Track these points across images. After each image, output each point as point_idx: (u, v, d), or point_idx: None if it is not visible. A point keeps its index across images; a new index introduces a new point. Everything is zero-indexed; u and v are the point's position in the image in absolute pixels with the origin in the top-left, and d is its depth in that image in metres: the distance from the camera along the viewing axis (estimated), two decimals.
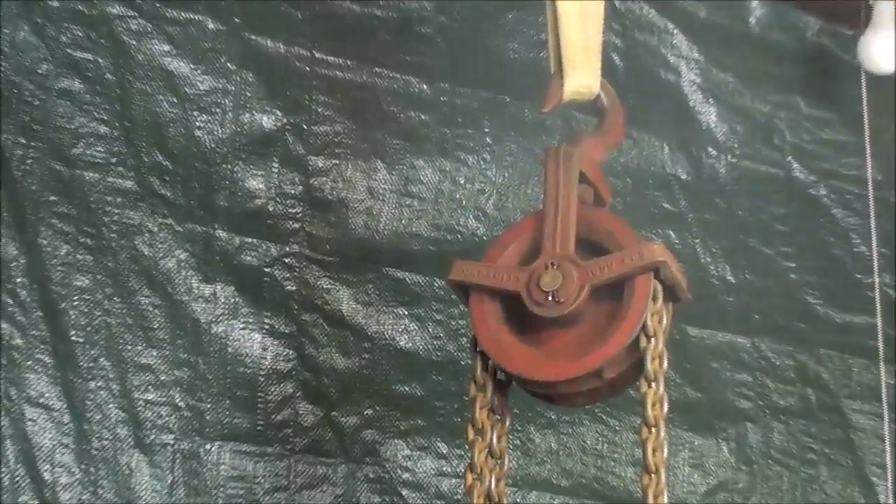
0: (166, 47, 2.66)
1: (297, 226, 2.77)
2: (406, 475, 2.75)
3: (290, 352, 2.72)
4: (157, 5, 2.65)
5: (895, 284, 3.32)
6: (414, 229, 2.88)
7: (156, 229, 2.62)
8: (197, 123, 2.67)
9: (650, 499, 1.92)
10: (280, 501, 2.62)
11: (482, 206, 2.97)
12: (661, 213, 3.18)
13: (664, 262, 1.97)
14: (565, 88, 2.11)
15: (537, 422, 2.92)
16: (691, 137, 3.25)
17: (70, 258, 2.52)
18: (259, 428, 2.64)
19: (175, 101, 2.66)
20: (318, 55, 2.82)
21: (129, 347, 2.55)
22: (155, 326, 2.58)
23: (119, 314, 2.55)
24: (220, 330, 2.64)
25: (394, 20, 2.90)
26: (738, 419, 3.16)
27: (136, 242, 2.59)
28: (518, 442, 2.88)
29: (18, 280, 2.46)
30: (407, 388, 2.81)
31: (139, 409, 2.53)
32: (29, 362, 2.45)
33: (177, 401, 2.57)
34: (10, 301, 2.45)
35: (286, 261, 2.75)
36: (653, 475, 1.92)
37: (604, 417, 3.00)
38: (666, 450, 1.94)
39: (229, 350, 2.65)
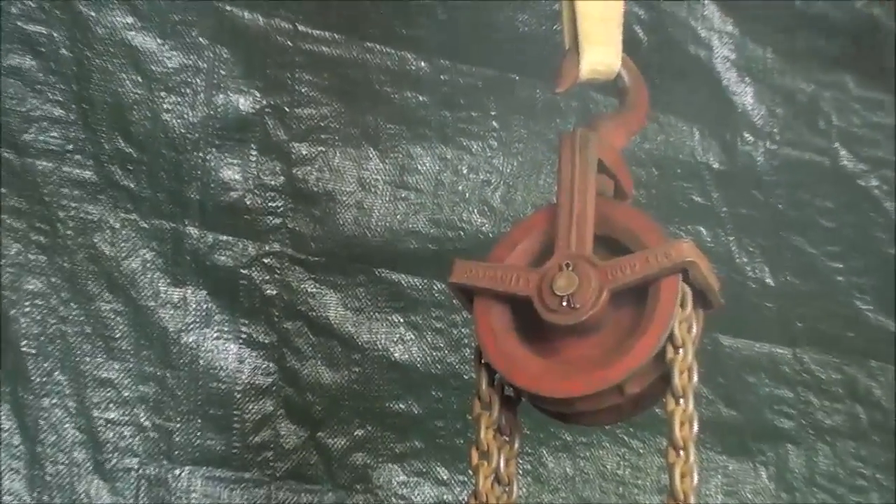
0: (129, 19, 2.66)
1: (278, 221, 2.77)
2: None
3: (270, 364, 2.72)
4: None
5: None
6: (410, 225, 2.88)
7: (118, 226, 2.62)
8: (164, 106, 2.68)
9: None
10: None
11: (488, 200, 2.97)
12: (691, 207, 3.18)
13: (694, 263, 1.97)
14: (582, 66, 2.10)
15: (550, 444, 2.92)
16: (725, 121, 3.25)
17: (20, 258, 2.52)
18: (235, 451, 2.64)
19: (139, 80, 2.66)
20: (301, 28, 2.82)
21: (88, 360, 2.55)
22: (117, 336, 2.58)
23: (76, 322, 2.55)
24: (190, 340, 2.65)
25: None
26: (778, 441, 3.17)
27: (95, 240, 2.59)
28: (529, 467, 2.88)
29: None
30: (402, 406, 2.81)
31: (99, 429, 2.53)
32: None
33: (142, 420, 2.57)
34: None
35: (266, 261, 2.75)
36: None
37: (626, 439, 3.00)
38: (696, 476, 1.94)
39: (201, 362, 2.65)
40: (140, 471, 2.55)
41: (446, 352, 2.86)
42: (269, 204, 2.76)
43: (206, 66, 2.73)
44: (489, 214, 2.96)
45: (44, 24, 2.58)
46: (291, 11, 2.81)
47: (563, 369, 2.00)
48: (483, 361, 2.06)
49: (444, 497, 2.80)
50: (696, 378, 1.96)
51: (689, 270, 1.97)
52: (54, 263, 2.55)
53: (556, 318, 1.99)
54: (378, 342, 2.82)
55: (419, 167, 2.91)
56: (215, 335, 2.67)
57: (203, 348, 2.65)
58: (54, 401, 2.51)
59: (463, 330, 2.86)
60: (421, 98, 2.92)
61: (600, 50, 2.11)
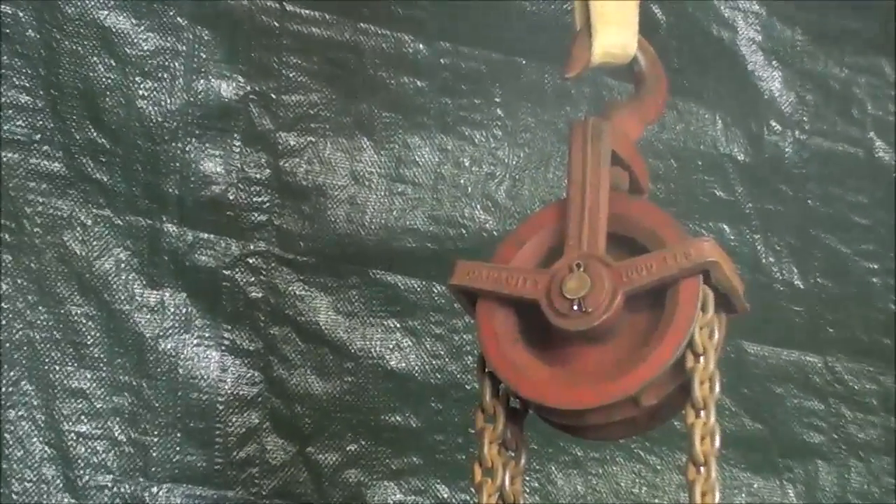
0: None
1: (263, 218, 2.78)
2: None
3: (256, 373, 2.73)
4: None
5: None
6: (408, 223, 2.89)
7: (89, 222, 2.62)
8: (140, 92, 2.68)
9: None
10: None
11: (492, 194, 2.98)
12: (713, 203, 3.19)
13: (716, 263, 1.98)
14: (594, 49, 2.11)
15: (560, 459, 2.93)
16: (750, 109, 3.26)
17: None
18: (217, 467, 2.65)
19: (113, 64, 2.67)
20: (288, 7, 2.83)
21: (58, 368, 2.56)
22: (89, 342, 2.59)
23: (44, 327, 2.56)
24: (168, 347, 2.65)
25: None
26: (807, 456, 3.17)
27: (65, 238, 2.60)
28: (536, 485, 2.89)
29: None
30: (399, 419, 2.82)
31: (69, 443, 2.54)
32: None
33: (116, 434, 2.57)
34: None
35: (250, 261, 2.76)
36: None
37: (641, 454, 3.01)
38: (718, 494, 1.95)
39: (180, 371, 2.66)
40: (114, 489, 2.56)
41: (447, 360, 2.87)
42: (254, 199, 2.77)
43: (185, 48, 2.73)
44: (493, 210, 2.96)
45: (9, 3, 2.59)
46: None
47: (574, 379, 2.00)
48: (487, 370, 2.06)
49: None
50: (718, 388, 1.97)
51: (710, 271, 1.98)
52: (20, 263, 2.56)
53: (566, 323, 1.99)
54: (372, 349, 2.83)
55: (417, 159, 2.92)
56: (195, 342, 2.68)
57: (182, 356, 2.66)
58: (21, 413, 2.51)
59: (465, 336, 2.87)
60: (419, 84, 2.93)
61: (615, 31, 2.11)
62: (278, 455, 2.70)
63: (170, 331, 2.65)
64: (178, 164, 2.70)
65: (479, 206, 2.95)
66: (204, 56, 2.74)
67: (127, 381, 2.60)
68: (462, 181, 2.95)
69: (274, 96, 2.80)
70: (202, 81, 2.74)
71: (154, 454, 2.59)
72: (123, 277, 2.63)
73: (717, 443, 1.95)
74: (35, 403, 2.53)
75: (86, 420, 2.56)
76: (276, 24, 2.81)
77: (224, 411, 2.67)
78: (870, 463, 3.21)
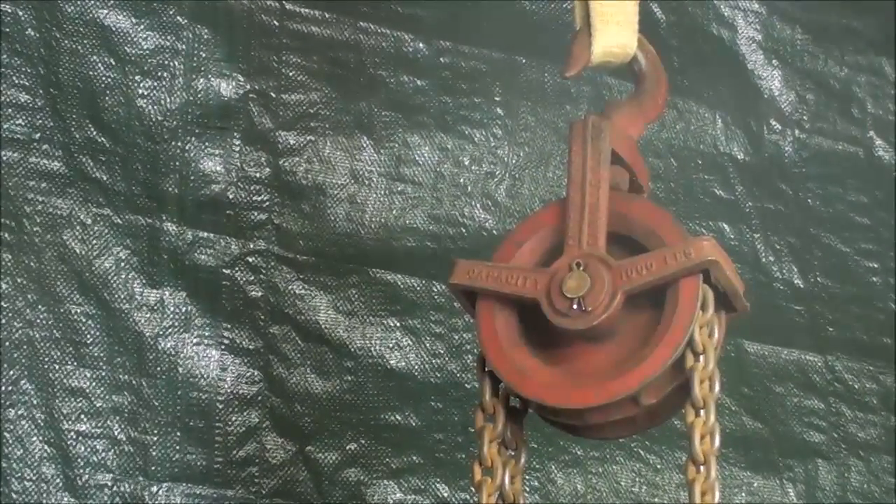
0: None
1: (263, 217, 2.78)
2: None
3: (255, 372, 2.73)
4: None
5: None
6: (408, 222, 2.89)
7: (89, 221, 2.62)
8: (140, 91, 2.68)
9: None
10: None
11: (491, 193, 2.97)
12: (713, 202, 3.19)
13: (716, 263, 1.98)
14: (594, 47, 2.11)
15: (560, 458, 2.93)
16: (750, 108, 3.26)
17: None
18: (217, 466, 2.65)
19: (112, 63, 2.67)
20: (288, 6, 2.83)
21: (57, 367, 2.56)
22: (88, 341, 2.59)
23: (44, 326, 2.56)
24: (168, 346, 2.65)
25: None
26: (807, 455, 3.17)
27: (64, 237, 2.60)
28: (536, 483, 2.89)
29: None
30: (399, 418, 2.82)
31: (69, 442, 2.54)
32: None
33: (116, 433, 2.57)
34: None
35: (250, 260, 2.76)
36: None
37: (641, 453, 3.01)
38: (718, 493, 1.94)
39: (180, 370, 2.66)
40: (114, 488, 2.56)
41: (446, 359, 2.87)
42: (254, 198, 2.77)
43: (184, 47, 2.73)
44: (493, 209, 2.96)
45: (8, 2, 2.59)
46: None
47: (574, 378, 2.00)
48: (486, 369, 2.06)
49: None
50: (718, 388, 1.97)
51: (710, 271, 1.98)
52: (20, 262, 2.56)
53: (565, 323, 1.99)
54: (372, 348, 2.83)
55: (417, 158, 2.92)
56: (195, 341, 2.68)
57: (182, 355, 2.66)
58: (20, 412, 2.51)
59: (465, 335, 2.87)
60: (419, 83, 2.93)
61: (614, 30, 2.11)
62: (278, 454, 2.70)
63: (169, 330, 2.65)
64: (177, 164, 2.70)
65: (478, 205, 2.95)
66: (204, 55, 2.74)
67: (127, 380, 2.60)
68: (462, 180, 2.95)
69: (274, 95, 2.80)
70: (202, 80, 2.74)
71: (154, 453, 2.59)
72: (123, 276, 2.63)
73: (717, 442, 1.96)
74: (35, 402, 2.53)
75: (85, 419, 2.55)
76: (275, 22, 2.81)
77: (224, 410, 2.67)
78: (870, 462, 3.21)
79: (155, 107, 2.69)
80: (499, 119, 2.99)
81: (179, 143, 2.71)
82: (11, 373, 2.51)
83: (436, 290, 2.85)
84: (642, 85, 2.18)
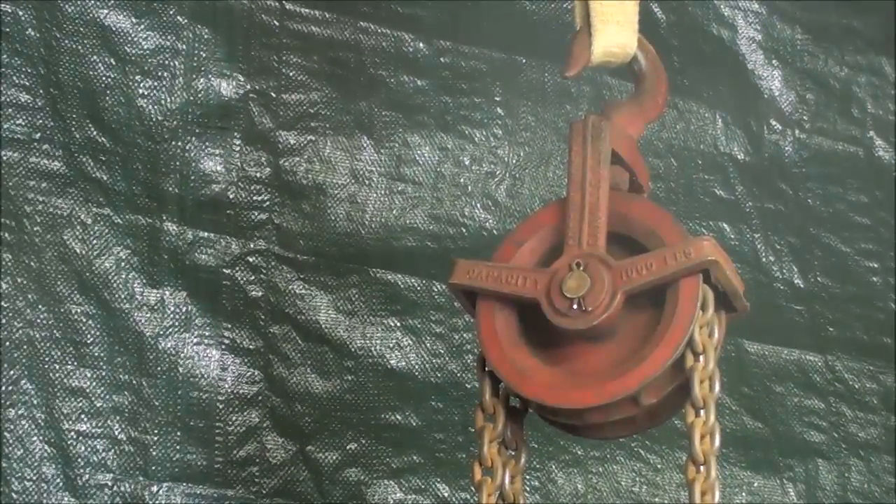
0: None
1: (263, 217, 2.78)
2: None
3: (256, 372, 2.72)
4: None
5: None
6: (408, 221, 2.89)
7: (89, 221, 2.62)
8: (140, 91, 2.68)
9: None
10: None
11: (492, 193, 2.97)
12: (713, 202, 3.19)
13: (716, 263, 1.97)
14: (594, 47, 2.11)
15: (560, 458, 2.93)
16: (750, 108, 3.26)
17: None
18: (217, 466, 2.65)
19: (113, 63, 2.67)
20: (288, 6, 2.83)
21: (58, 367, 2.56)
22: (89, 341, 2.59)
23: (45, 326, 2.56)
24: (168, 345, 2.65)
25: None
26: (807, 455, 3.17)
27: (65, 237, 2.60)
28: (537, 483, 2.89)
29: None
30: (399, 418, 2.82)
31: (69, 442, 2.54)
32: None
33: (116, 433, 2.57)
34: None
35: (250, 260, 2.75)
36: None
37: (642, 453, 3.01)
38: (718, 493, 1.94)
39: (180, 370, 2.65)
40: (114, 487, 2.55)
41: (447, 358, 2.87)
42: (255, 198, 2.77)
43: (185, 47, 2.73)
44: (493, 209, 2.96)
45: (9, 2, 2.59)
46: None
47: (574, 378, 2.00)
48: (486, 369, 2.06)
49: None
50: (718, 387, 1.97)
51: (710, 270, 1.98)
52: (20, 262, 2.56)
53: (565, 323, 1.99)
54: (373, 348, 2.82)
55: (417, 158, 2.92)
56: (195, 340, 2.68)
57: (182, 355, 2.66)
58: (21, 412, 2.51)
59: (465, 335, 2.87)
60: (419, 82, 2.93)
61: (615, 30, 2.11)
62: (278, 454, 2.70)
63: (170, 329, 2.65)
64: (178, 163, 2.70)
65: (479, 205, 2.95)
66: (204, 55, 2.74)
67: (127, 380, 2.60)
68: (462, 180, 2.95)
69: (274, 95, 2.80)
70: (202, 80, 2.74)
71: (154, 453, 2.59)
72: (123, 276, 2.63)
73: (717, 442, 1.95)
74: (35, 402, 2.52)
75: (86, 419, 2.55)
76: (276, 22, 2.81)
77: (224, 410, 2.67)
78: (870, 462, 3.21)
79: (155, 107, 2.69)
80: (499, 119, 2.99)
81: (180, 143, 2.71)
82: (12, 372, 2.51)
83: (436, 289, 2.85)
84: (642, 85, 2.17)
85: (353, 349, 2.80)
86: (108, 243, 2.63)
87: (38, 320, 2.55)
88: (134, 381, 2.61)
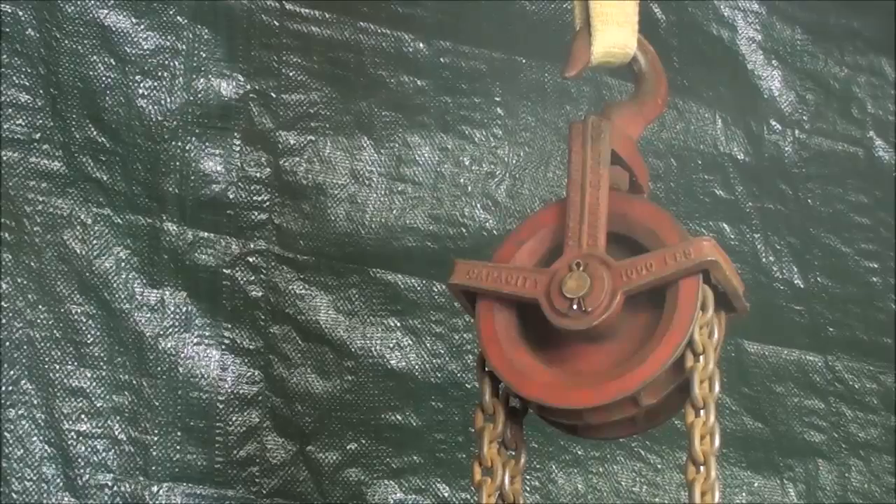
0: None
1: (263, 217, 2.78)
2: None
3: (256, 372, 2.72)
4: None
5: None
6: (408, 222, 2.89)
7: (89, 221, 2.62)
8: (140, 91, 2.68)
9: None
10: None
11: (492, 194, 2.97)
12: (713, 202, 3.19)
13: (716, 263, 1.97)
14: (594, 48, 2.10)
15: (560, 458, 2.93)
16: (750, 108, 3.26)
17: None
18: (217, 466, 2.65)
19: (113, 63, 2.66)
20: (288, 6, 2.82)
21: (58, 367, 2.56)
22: (89, 341, 2.58)
23: (45, 326, 2.55)
24: (168, 346, 2.65)
25: None
26: (807, 455, 3.17)
27: (65, 237, 2.59)
28: (537, 483, 2.88)
29: None
30: (399, 418, 2.82)
31: (70, 442, 2.54)
32: None
33: (116, 433, 2.57)
34: None
35: (250, 260, 2.75)
36: None
37: (642, 453, 3.01)
38: (718, 493, 1.94)
39: (180, 370, 2.65)
40: (115, 488, 2.55)
41: (447, 359, 2.87)
42: (254, 198, 2.77)
43: (185, 47, 2.73)
44: (493, 210, 2.96)
45: (8, 2, 2.58)
46: None
47: (574, 378, 2.00)
48: (486, 369, 2.06)
49: None
50: (717, 388, 1.97)
51: (710, 271, 1.97)
52: (20, 262, 2.55)
53: (565, 323, 1.99)
54: (373, 348, 2.82)
55: (417, 158, 2.92)
56: (195, 340, 2.68)
57: (182, 355, 2.66)
58: (21, 412, 2.51)
59: (465, 335, 2.87)
60: (419, 83, 2.93)
61: (614, 30, 2.11)
62: (278, 454, 2.70)
63: (170, 330, 2.65)
64: (178, 164, 2.70)
65: (479, 205, 2.95)
66: (204, 55, 2.74)
67: (127, 380, 2.60)
68: (462, 180, 2.95)
69: (274, 95, 2.80)
70: (202, 80, 2.74)
71: (154, 453, 2.59)
72: (123, 276, 2.63)
73: (717, 442, 1.95)
74: (35, 402, 2.52)
75: (86, 419, 2.55)
76: (276, 23, 2.81)
77: (224, 410, 2.67)
78: (870, 462, 3.21)
79: (155, 107, 2.69)
80: (499, 119, 2.99)
81: (179, 143, 2.70)
82: (12, 373, 2.51)
83: (436, 290, 2.85)
84: (642, 85, 2.17)
85: (353, 349, 2.80)
86: (108, 243, 2.63)
87: (39, 320, 2.55)
88: (134, 382, 2.60)
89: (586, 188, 2.04)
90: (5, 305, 2.53)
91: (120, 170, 2.65)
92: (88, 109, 2.64)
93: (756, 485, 3.11)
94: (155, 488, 2.58)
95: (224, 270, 2.72)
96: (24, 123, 2.59)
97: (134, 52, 2.68)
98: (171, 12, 2.71)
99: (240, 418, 2.68)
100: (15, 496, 2.47)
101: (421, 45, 2.92)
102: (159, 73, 2.69)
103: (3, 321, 2.52)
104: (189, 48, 2.73)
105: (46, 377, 2.54)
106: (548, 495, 2.90)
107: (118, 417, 2.58)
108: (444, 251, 2.86)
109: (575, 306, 1.98)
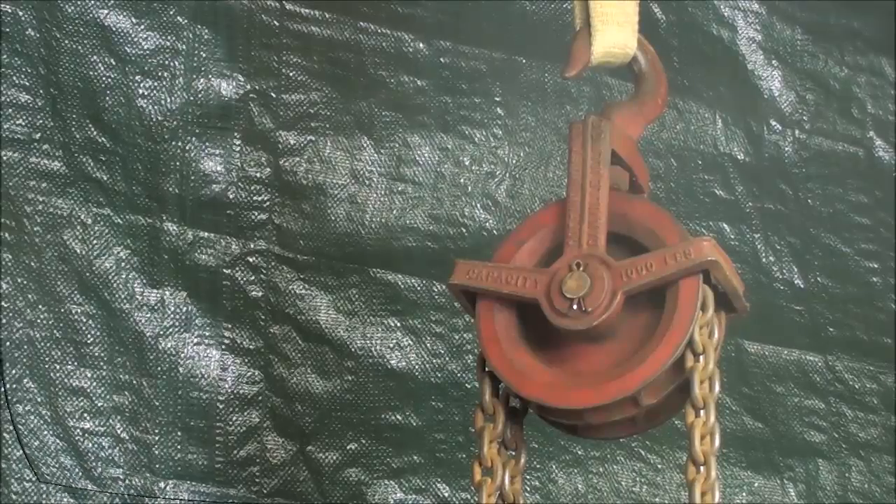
0: None
1: (263, 217, 2.78)
2: None
3: (256, 372, 2.72)
4: None
5: None
6: (408, 222, 2.89)
7: (89, 221, 2.62)
8: (140, 91, 2.68)
9: None
10: None
11: (492, 194, 2.97)
12: (713, 202, 3.19)
13: (716, 263, 1.97)
14: (594, 48, 2.10)
15: (560, 458, 2.93)
16: (750, 108, 3.25)
17: None
18: (218, 466, 2.65)
19: (113, 63, 2.66)
20: (288, 6, 2.82)
21: (58, 367, 2.55)
22: (89, 341, 2.58)
23: (45, 326, 2.55)
24: (168, 345, 2.65)
25: None
26: (807, 455, 3.17)
27: (65, 237, 2.59)
28: (537, 483, 2.88)
29: None
30: (399, 418, 2.82)
31: (69, 443, 2.54)
32: None
33: (117, 432, 2.57)
34: None
35: (250, 260, 2.75)
36: None
37: (642, 453, 3.01)
38: (718, 493, 1.94)
39: (180, 370, 2.65)
40: (115, 488, 2.55)
41: (447, 359, 2.87)
42: (254, 198, 2.77)
43: (185, 47, 2.73)
44: (493, 210, 2.96)
45: (9, 2, 2.58)
46: None
47: (574, 378, 2.00)
48: (486, 369, 2.06)
49: None
50: (718, 388, 1.97)
51: (710, 271, 1.97)
52: (21, 262, 2.55)
53: (565, 323, 1.99)
54: (373, 348, 2.82)
55: (417, 158, 2.92)
56: (196, 340, 2.68)
57: (183, 355, 2.66)
58: (21, 412, 2.51)
59: (465, 335, 2.87)
60: (419, 83, 2.93)
61: (615, 30, 2.11)
62: (279, 454, 2.70)
63: (170, 329, 2.65)
64: (178, 164, 2.70)
65: (479, 205, 2.95)
66: (204, 55, 2.74)
67: (127, 380, 2.60)
68: (462, 180, 2.94)
69: (274, 95, 2.80)
70: (202, 80, 2.73)
71: (155, 452, 2.59)
72: (123, 276, 2.63)
73: (717, 442, 1.95)
74: (37, 401, 2.52)
75: (87, 418, 2.56)
76: (276, 23, 2.81)
77: (224, 410, 2.67)
78: (870, 462, 3.21)
79: (155, 107, 2.68)
80: (499, 119, 2.99)
81: (179, 143, 2.70)
82: (13, 373, 2.51)
83: (436, 290, 2.85)
84: (642, 85, 2.17)
85: (353, 349, 2.80)
86: (108, 243, 2.63)
87: (39, 320, 2.55)
88: (134, 382, 2.60)
89: (586, 188, 2.04)
90: (5, 305, 2.53)
91: (120, 170, 2.65)
92: (88, 109, 2.63)
93: (756, 485, 3.11)
94: (162, 484, 2.58)
95: (224, 270, 2.72)
96: (24, 123, 2.58)
97: (134, 52, 2.68)
98: (171, 12, 2.71)
99: (240, 418, 2.68)
100: (15, 496, 2.47)
101: (421, 45, 2.92)
102: (159, 73, 2.69)
103: (4, 321, 2.52)
104: (189, 48, 2.73)
105: (47, 377, 2.54)
106: (548, 495, 2.90)
107: (119, 417, 2.58)
108: (444, 251, 2.86)
109: (575, 306, 1.98)
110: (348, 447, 2.76)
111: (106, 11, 2.67)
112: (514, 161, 2.99)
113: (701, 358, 1.96)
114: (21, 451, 2.48)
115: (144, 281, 2.65)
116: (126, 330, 2.62)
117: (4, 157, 2.55)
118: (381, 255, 2.84)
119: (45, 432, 2.50)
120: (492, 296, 2.05)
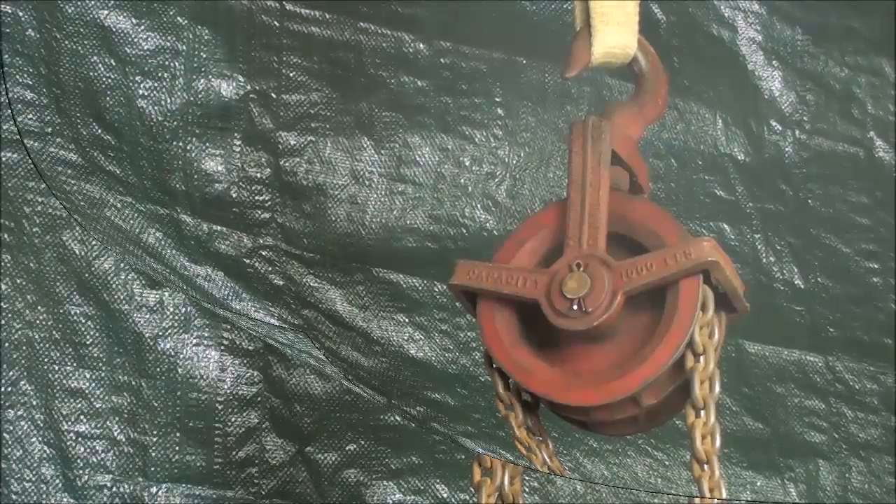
0: None
1: (265, 217, 2.78)
2: None
3: (255, 373, 2.72)
4: None
5: None
6: (408, 222, 2.89)
7: None
8: (140, 91, 2.68)
9: None
10: None
11: (492, 194, 2.97)
12: (714, 202, 3.19)
13: (716, 263, 1.98)
14: (595, 48, 2.11)
15: (560, 459, 2.93)
16: (750, 109, 3.26)
17: None
18: (216, 467, 2.65)
19: (113, 63, 2.66)
20: (288, 7, 2.83)
21: (57, 368, 2.56)
22: (88, 342, 2.58)
23: (44, 327, 2.55)
24: (167, 346, 2.65)
25: None
26: (808, 455, 3.17)
27: (64, 238, 2.60)
28: (536, 484, 2.88)
29: None
30: (399, 418, 2.82)
31: (69, 443, 2.54)
32: None
33: (115, 433, 2.57)
34: None
35: (263, 254, 2.75)
36: None
37: (648, 450, 3.01)
38: (725, 490, 1.95)
39: (179, 371, 2.65)
40: (113, 488, 2.55)
41: (456, 354, 2.87)
42: (255, 198, 2.77)
43: (185, 48, 2.73)
44: (493, 210, 2.96)
45: (9, 3, 2.58)
46: None
47: (574, 378, 2.00)
48: (494, 366, 2.06)
49: None
50: (718, 388, 1.97)
51: (710, 271, 1.98)
52: (19, 263, 2.56)
53: (566, 323, 1.99)
54: (391, 340, 2.83)
55: (417, 158, 2.92)
56: (195, 341, 2.68)
57: (181, 355, 2.66)
58: (20, 412, 2.51)
59: (469, 334, 2.87)
60: (419, 83, 2.93)
61: (615, 31, 2.11)
62: (277, 455, 2.70)
63: (169, 330, 2.65)
64: (178, 163, 2.70)
65: (479, 206, 2.95)
66: (204, 55, 2.74)
67: (126, 381, 2.60)
68: (462, 180, 2.95)
69: (274, 95, 2.80)
70: (202, 81, 2.74)
71: (153, 454, 2.59)
72: (122, 277, 2.63)
73: (718, 442, 1.96)
74: (34, 403, 2.52)
75: (85, 420, 2.55)
76: (276, 23, 2.81)
77: (223, 411, 2.67)
78: (870, 462, 3.21)
79: (155, 107, 2.69)
80: (499, 119, 2.99)
81: (180, 144, 2.70)
82: (11, 374, 2.51)
83: (437, 290, 2.85)
84: (643, 85, 2.17)
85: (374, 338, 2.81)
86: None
87: (38, 321, 2.55)
88: (133, 382, 2.61)
89: (587, 188, 2.04)
90: (4, 306, 2.53)
91: (121, 168, 2.65)
92: (89, 110, 2.64)
93: (758, 485, 3.11)
94: (154, 489, 2.59)
95: (244, 260, 2.73)
96: (33, 118, 2.58)
97: (134, 52, 2.68)
98: (171, 13, 2.71)
99: (239, 419, 2.68)
100: (14, 497, 2.47)
101: (421, 45, 2.93)
102: (160, 74, 2.69)
103: (3, 322, 2.52)
104: (189, 49, 2.73)
105: (45, 378, 2.54)
106: (547, 495, 2.90)
107: (117, 418, 2.58)
108: (444, 251, 2.86)
109: (575, 307, 1.98)
110: (347, 448, 2.76)
111: (106, 12, 2.67)
112: (514, 161, 3.00)
113: (701, 358, 1.96)
114: (20, 452, 2.48)
115: (143, 282, 2.65)
116: (125, 331, 2.62)
117: (4, 158, 2.55)
118: (381, 255, 2.85)
119: (34, 439, 2.50)
120: (492, 296, 2.05)
